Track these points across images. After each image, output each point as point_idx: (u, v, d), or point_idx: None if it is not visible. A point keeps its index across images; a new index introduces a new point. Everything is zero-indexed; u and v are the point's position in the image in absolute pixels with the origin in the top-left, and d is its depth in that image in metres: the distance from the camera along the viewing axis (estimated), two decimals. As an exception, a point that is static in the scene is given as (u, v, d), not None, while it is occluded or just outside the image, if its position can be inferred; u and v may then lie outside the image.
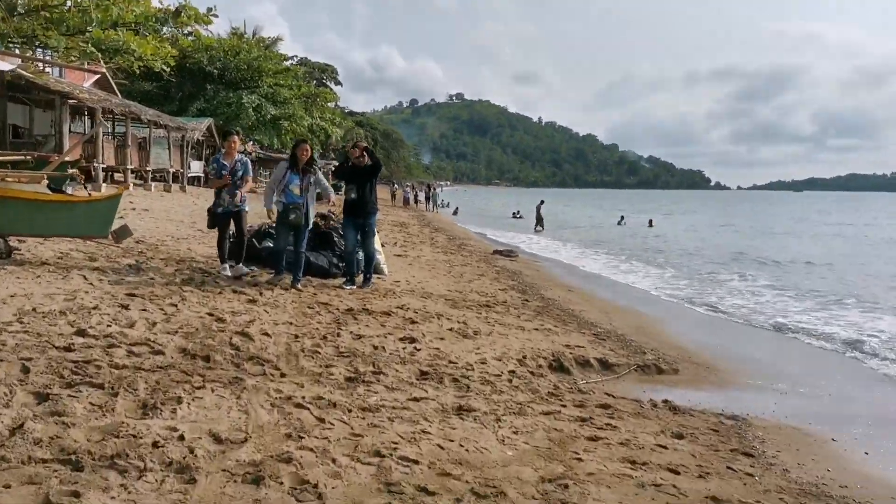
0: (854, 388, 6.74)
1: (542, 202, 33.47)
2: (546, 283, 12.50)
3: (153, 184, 23.38)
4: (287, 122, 39.71)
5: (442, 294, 9.31)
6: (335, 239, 9.62)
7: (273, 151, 55.55)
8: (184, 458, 3.08)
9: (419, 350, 5.77)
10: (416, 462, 3.36)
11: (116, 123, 25.16)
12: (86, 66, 25.39)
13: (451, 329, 6.87)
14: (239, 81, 39.42)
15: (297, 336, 5.69)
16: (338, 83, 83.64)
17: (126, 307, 5.97)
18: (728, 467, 3.84)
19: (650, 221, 38.39)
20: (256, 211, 17.18)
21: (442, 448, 3.61)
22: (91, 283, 6.88)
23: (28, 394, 3.68)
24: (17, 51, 16.51)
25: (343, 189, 8.80)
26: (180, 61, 39.06)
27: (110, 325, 5.28)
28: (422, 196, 52.08)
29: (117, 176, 23.53)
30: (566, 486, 3.26)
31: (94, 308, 5.79)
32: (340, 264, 9.46)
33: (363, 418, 3.94)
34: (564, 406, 4.70)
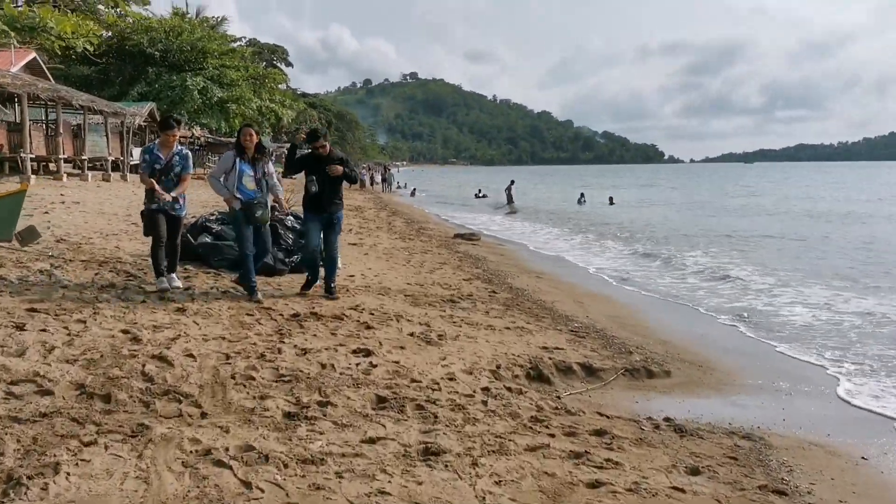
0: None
1: (513, 182, 33.64)
2: (512, 270, 11.71)
3: (90, 173, 21.89)
4: (235, 104, 38.12)
5: (401, 289, 8.43)
6: (280, 231, 8.65)
7: (222, 136, 53.78)
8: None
9: (375, 366, 4.90)
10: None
11: (50, 110, 23.52)
12: (13, 48, 23.69)
13: (412, 334, 6.01)
14: (182, 63, 37.65)
15: (228, 356, 4.76)
16: (288, 64, 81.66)
17: (21, 327, 4.97)
18: (763, 516, 3.08)
19: (610, 199, 37.89)
20: (202, 200, 16.03)
21: (406, 517, 2.76)
22: (-14, 297, 5.84)
23: None
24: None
25: (300, 179, 7.74)
26: (119, 43, 37.28)
27: (-7, 355, 4.30)
28: (378, 178, 50.91)
29: (51, 167, 21.99)
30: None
31: (-20, 331, 4.79)
32: (287, 260, 8.52)
33: (303, 476, 3.07)
34: (553, 436, 3.89)
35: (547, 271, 12.21)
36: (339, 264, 9.34)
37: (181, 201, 6.84)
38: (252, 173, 6.77)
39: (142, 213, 6.85)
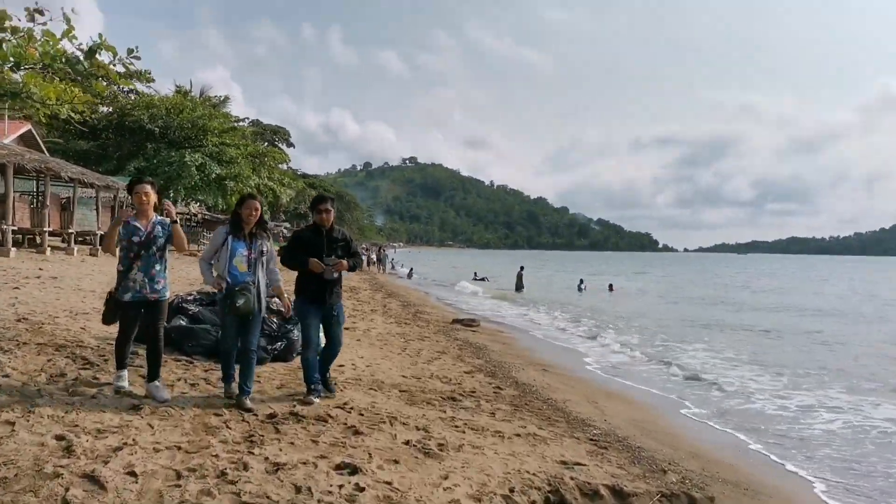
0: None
1: (523, 268, 34.66)
2: (517, 361, 10.79)
3: (77, 247, 21.13)
4: (233, 182, 37.71)
5: (396, 382, 7.52)
6: (262, 315, 7.78)
7: (219, 213, 53.37)
8: None
9: (362, 489, 3.97)
10: None
11: (40, 182, 23.01)
12: (6, 119, 23.37)
13: (408, 442, 5.09)
14: (182, 140, 37.46)
15: (180, 475, 3.84)
16: (290, 145, 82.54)
17: (-70, 430, 4.06)
18: None
19: (610, 286, 37.21)
20: (190, 278, 15.22)
21: None
22: None
23: None
24: None
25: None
26: (118, 118, 37.24)
27: None
28: (374, 257, 50.36)
29: (36, 240, 21.25)
30: None
31: None
32: (269, 347, 7.63)
33: None
34: None
35: (554, 363, 11.28)
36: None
37: (163, 282, 5.53)
38: (245, 252, 5.64)
39: (108, 298, 5.49)
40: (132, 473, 3.75)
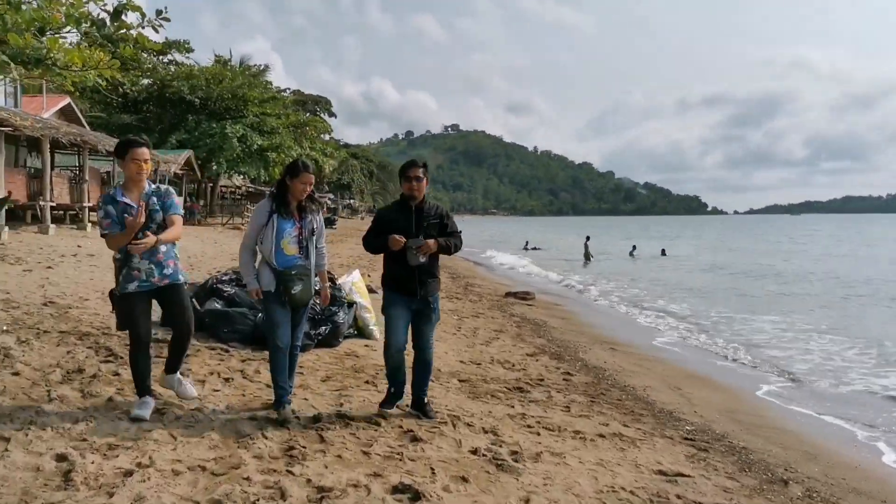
0: None
1: (589, 238, 32.88)
2: (581, 340, 9.89)
3: (118, 222, 20.77)
4: (275, 152, 37.22)
5: (454, 370, 6.72)
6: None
7: (262, 185, 53.13)
8: None
9: (429, 524, 3.16)
10: None
11: (80, 157, 22.71)
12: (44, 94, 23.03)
13: (475, 451, 4.26)
14: (223, 111, 37.06)
15: (200, 509, 3.08)
16: (332, 115, 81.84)
17: None
18: None
19: (663, 251, 35.90)
20: (233, 252, 14.63)
21: None
22: None
23: None
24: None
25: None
26: (159, 90, 36.92)
27: None
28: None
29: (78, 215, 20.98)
30: None
31: None
32: (313, 333, 6.86)
33: None
34: None
35: (621, 340, 10.34)
36: (376, 334, 7.74)
37: (173, 264, 4.45)
38: (295, 232, 4.61)
39: (111, 295, 4.46)
40: (140, 499, 3.01)
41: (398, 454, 4.08)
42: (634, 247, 35.99)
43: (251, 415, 4.55)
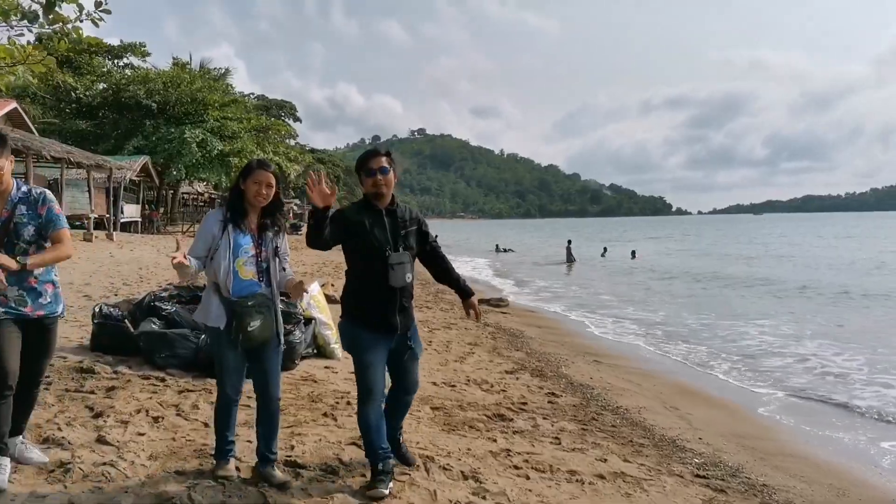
0: None
1: (570, 241, 34.12)
2: (562, 352, 9.16)
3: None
4: (237, 157, 36.07)
5: (426, 394, 5.91)
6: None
7: (226, 191, 51.76)
8: None
9: None
10: None
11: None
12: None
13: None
14: (182, 116, 35.84)
15: None
16: (297, 119, 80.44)
17: None
18: None
19: (633, 253, 35.56)
20: (165, 279, 13.70)
21: None
22: None
23: None
24: None
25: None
26: (114, 95, 35.57)
27: None
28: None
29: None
30: None
31: None
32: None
33: None
34: None
35: (604, 351, 9.66)
36: (338, 353, 6.95)
37: (52, 289, 3.49)
38: (253, 250, 3.56)
39: None
40: None
41: (360, 515, 3.28)
42: (605, 248, 35.61)
43: (179, 467, 3.71)
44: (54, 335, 3.62)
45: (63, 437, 3.98)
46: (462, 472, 4.02)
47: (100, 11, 6.70)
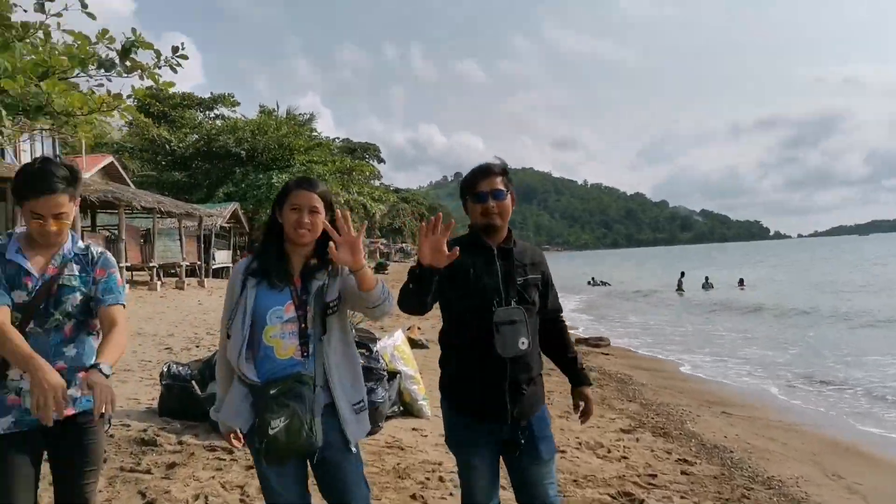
0: None
1: (683, 273, 33.92)
2: (682, 402, 7.98)
3: (158, 281, 19.80)
4: (323, 200, 36.31)
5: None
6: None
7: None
8: None
9: None
10: None
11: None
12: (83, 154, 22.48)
13: None
14: (270, 162, 36.54)
15: None
16: (381, 160, 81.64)
17: None
18: None
19: (741, 281, 33.07)
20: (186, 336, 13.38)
21: None
22: None
23: None
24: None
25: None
26: (206, 145, 36.67)
27: None
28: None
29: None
30: None
31: None
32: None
33: None
34: None
35: (730, 399, 8.42)
36: (427, 411, 6.13)
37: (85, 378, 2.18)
38: (293, 313, 2.39)
39: None
40: None
41: None
42: (707, 278, 33.13)
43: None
44: (98, 438, 2.51)
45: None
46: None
47: (177, 57, 6.23)
